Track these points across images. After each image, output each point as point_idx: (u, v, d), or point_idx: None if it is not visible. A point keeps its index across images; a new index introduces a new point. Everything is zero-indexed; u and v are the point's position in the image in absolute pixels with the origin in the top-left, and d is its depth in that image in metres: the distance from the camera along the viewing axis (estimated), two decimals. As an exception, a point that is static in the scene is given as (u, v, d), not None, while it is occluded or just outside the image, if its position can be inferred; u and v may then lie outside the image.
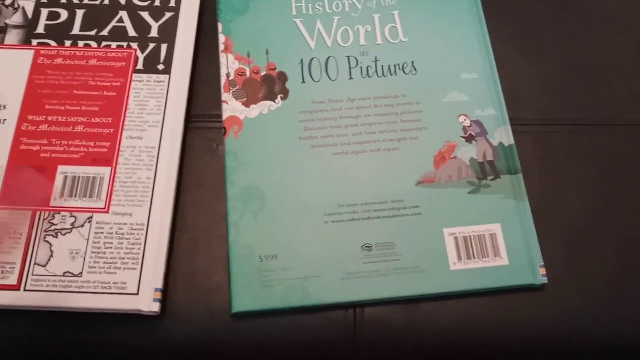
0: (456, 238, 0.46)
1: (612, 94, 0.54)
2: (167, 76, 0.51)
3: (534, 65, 0.54)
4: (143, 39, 0.52)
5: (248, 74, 0.52)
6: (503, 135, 0.50)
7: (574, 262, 0.48)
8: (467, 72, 0.52)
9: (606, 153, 0.51)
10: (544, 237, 0.47)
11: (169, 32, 0.52)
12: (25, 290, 0.43)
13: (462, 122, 0.50)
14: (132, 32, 0.52)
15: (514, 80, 0.53)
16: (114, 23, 0.53)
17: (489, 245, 0.46)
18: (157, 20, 0.53)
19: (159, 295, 0.44)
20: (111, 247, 0.45)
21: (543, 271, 0.46)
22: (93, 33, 0.52)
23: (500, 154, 0.49)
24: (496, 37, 0.54)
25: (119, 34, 0.52)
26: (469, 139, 0.50)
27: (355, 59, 0.52)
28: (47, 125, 0.48)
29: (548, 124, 0.52)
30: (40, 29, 0.52)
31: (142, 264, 0.44)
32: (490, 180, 0.48)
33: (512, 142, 0.49)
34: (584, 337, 0.46)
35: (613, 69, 0.55)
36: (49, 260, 0.44)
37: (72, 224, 0.45)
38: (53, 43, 0.51)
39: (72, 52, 0.51)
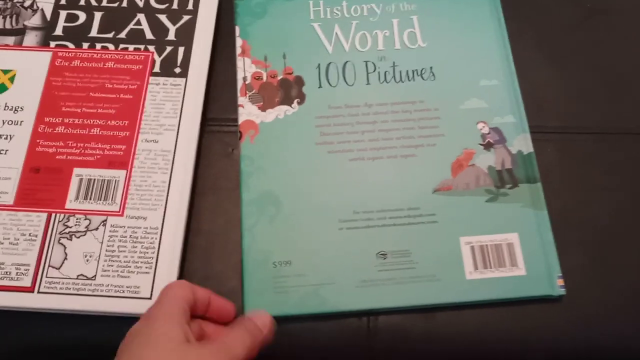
0: (472, 247, 0.46)
1: (635, 102, 0.52)
2: (184, 79, 0.51)
3: (556, 71, 0.53)
4: (160, 42, 0.52)
5: (264, 78, 0.51)
6: (522, 143, 0.49)
7: (594, 273, 0.47)
8: (487, 79, 0.51)
9: (628, 162, 0.50)
10: (563, 247, 0.46)
11: (186, 35, 0.52)
12: (39, 292, 0.43)
13: (481, 129, 0.49)
14: (149, 35, 0.52)
15: (536, 87, 0.52)
16: (131, 25, 0.53)
17: (505, 254, 0.46)
18: (174, 23, 0.53)
19: (172, 300, 0.44)
20: (125, 251, 0.45)
21: (561, 282, 0.45)
22: (110, 35, 0.52)
23: (519, 162, 0.48)
24: (517, 43, 0.53)
25: (136, 36, 0.52)
26: (487, 146, 0.49)
27: (373, 63, 0.52)
28: (63, 127, 0.48)
29: (570, 132, 0.51)
30: (59, 31, 0.52)
31: (155, 268, 0.44)
32: (508, 188, 0.47)
33: (532, 150, 0.49)
34: (602, 349, 0.45)
35: (637, 76, 0.54)
36: (63, 262, 0.44)
37: (87, 227, 0.45)
38: (71, 45, 0.52)
39: (90, 54, 0.51)
